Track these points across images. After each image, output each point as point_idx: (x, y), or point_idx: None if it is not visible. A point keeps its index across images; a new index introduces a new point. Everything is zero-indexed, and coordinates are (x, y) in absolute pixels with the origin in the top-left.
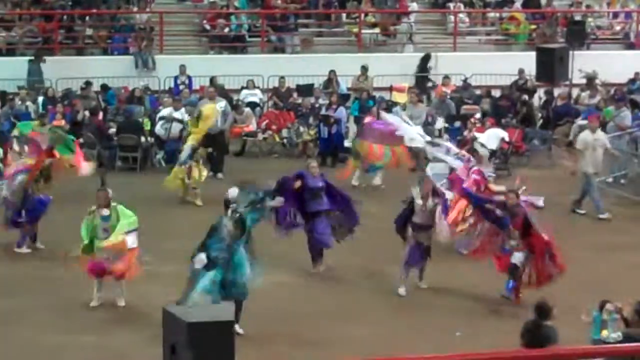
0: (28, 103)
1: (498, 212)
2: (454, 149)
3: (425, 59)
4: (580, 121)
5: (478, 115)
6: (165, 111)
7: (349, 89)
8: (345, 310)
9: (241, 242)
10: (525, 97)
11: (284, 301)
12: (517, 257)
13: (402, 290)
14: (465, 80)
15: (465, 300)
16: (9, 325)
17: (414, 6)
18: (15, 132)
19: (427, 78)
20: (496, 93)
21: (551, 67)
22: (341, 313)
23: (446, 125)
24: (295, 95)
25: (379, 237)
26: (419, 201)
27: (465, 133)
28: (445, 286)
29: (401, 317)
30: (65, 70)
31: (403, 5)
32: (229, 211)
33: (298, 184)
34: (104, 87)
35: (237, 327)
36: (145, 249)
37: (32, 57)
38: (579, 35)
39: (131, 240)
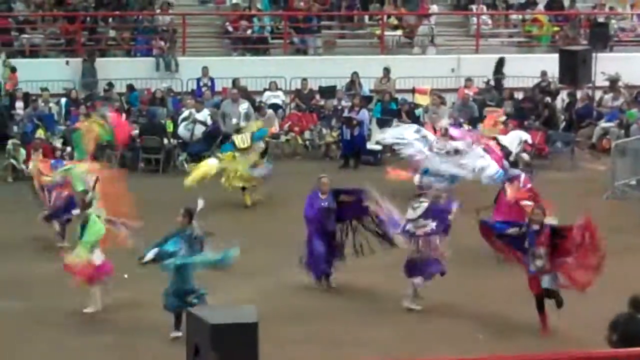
0: (51, 105)
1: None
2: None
3: (500, 62)
4: (603, 124)
5: (501, 119)
6: (186, 112)
7: (371, 91)
8: (365, 312)
9: (192, 255)
10: (548, 99)
11: (303, 300)
12: (547, 282)
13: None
14: (487, 83)
15: (490, 304)
16: (33, 326)
17: (434, 8)
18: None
19: (501, 81)
20: (519, 95)
21: (574, 69)
22: (361, 314)
23: (470, 127)
24: (317, 97)
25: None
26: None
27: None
28: (468, 289)
29: (423, 319)
30: None
31: (424, 7)
32: (194, 222)
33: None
34: (130, 88)
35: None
36: None
37: (86, 57)
38: (602, 37)
39: (96, 257)
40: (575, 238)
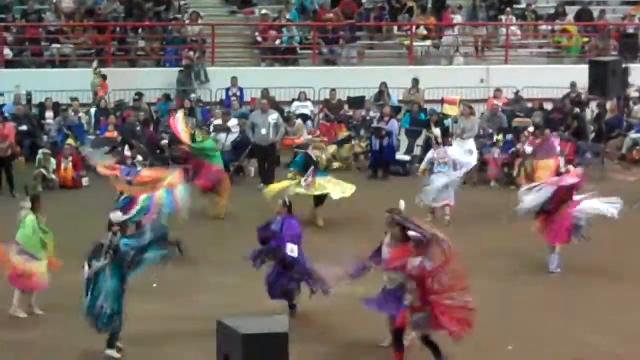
0: (81, 114)
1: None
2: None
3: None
4: (633, 134)
5: (531, 129)
6: (214, 124)
7: (400, 101)
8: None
9: (110, 269)
10: (577, 110)
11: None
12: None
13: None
14: (517, 93)
15: (520, 314)
16: (64, 335)
17: (458, 18)
18: None
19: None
20: (548, 106)
21: (604, 80)
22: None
23: (499, 138)
24: (346, 107)
25: None
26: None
27: (518, 146)
28: (498, 299)
29: None
30: (117, 82)
31: (447, 17)
32: (110, 234)
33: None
34: (167, 97)
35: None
36: (200, 259)
37: (182, 68)
38: (632, 48)
39: (33, 266)
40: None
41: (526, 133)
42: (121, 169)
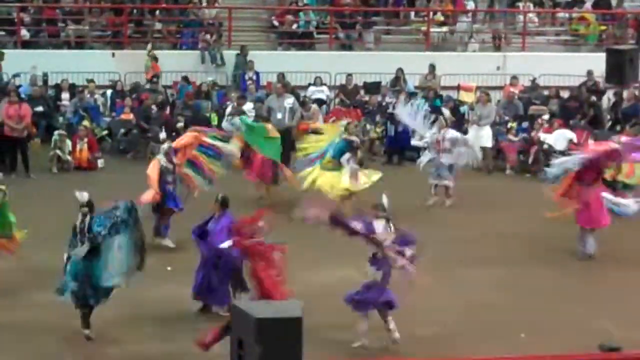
0: (97, 96)
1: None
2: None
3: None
4: None
5: (546, 117)
6: (229, 108)
7: (416, 87)
8: (408, 309)
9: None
10: (594, 98)
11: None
12: None
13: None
14: (533, 81)
15: (534, 302)
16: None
17: (471, 5)
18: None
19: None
20: (564, 94)
21: (621, 68)
22: (404, 312)
23: (512, 125)
24: (362, 92)
25: (451, 239)
26: None
27: (533, 134)
28: (512, 286)
29: (466, 318)
30: (134, 64)
31: (460, 3)
32: (80, 214)
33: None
34: (185, 79)
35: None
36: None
37: (239, 52)
38: None
39: None
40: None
41: (539, 120)
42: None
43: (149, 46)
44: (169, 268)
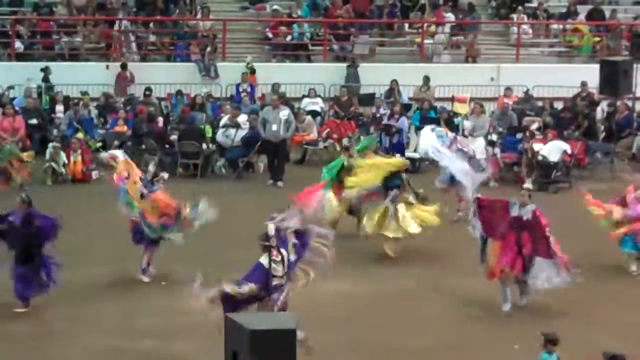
0: (91, 108)
1: None
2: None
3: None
4: None
5: (534, 126)
6: (224, 119)
7: (410, 98)
8: (407, 321)
9: None
10: (588, 109)
11: (344, 310)
12: None
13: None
14: (527, 92)
15: (529, 314)
16: (71, 329)
17: (450, 16)
18: None
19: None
20: (558, 105)
21: (615, 79)
22: (403, 323)
23: (492, 138)
24: (356, 104)
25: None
26: None
27: (525, 145)
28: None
29: (463, 329)
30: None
31: (440, 15)
32: None
33: None
34: (179, 93)
35: None
36: (209, 257)
37: (349, 64)
38: None
39: None
40: None
41: (527, 133)
42: (142, 177)
43: (249, 57)
44: (163, 283)
